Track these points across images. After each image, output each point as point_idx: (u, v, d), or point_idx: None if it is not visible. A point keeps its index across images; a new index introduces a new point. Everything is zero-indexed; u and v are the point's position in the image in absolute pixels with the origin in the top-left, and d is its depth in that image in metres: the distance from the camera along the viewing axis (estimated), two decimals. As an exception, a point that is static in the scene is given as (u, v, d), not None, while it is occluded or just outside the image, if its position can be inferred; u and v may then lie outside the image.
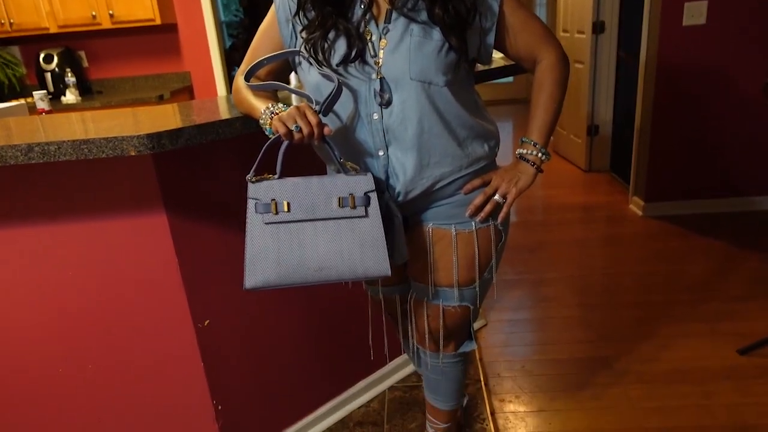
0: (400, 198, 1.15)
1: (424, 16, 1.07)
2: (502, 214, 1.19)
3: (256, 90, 1.16)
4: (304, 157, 1.29)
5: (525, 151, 1.19)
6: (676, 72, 3.12)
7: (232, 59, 4.59)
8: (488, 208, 1.17)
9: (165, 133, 1.10)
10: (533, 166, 1.18)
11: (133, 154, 1.09)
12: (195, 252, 1.40)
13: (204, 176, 1.37)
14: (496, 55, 1.25)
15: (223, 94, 4.15)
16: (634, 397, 1.90)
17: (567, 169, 4.55)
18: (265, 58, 1.14)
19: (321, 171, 1.30)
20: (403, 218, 1.18)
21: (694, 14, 2.99)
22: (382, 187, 1.13)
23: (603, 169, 4.34)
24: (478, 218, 1.18)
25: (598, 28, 3.99)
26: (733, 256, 2.84)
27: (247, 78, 1.16)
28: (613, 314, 2.41)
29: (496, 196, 1.17)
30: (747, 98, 3.13)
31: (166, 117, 1.32)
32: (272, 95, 1.19)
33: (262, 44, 1.19)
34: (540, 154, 1.18)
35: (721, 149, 3.26)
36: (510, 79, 7.75)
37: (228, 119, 1.19)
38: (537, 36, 1.17)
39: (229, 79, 4.23)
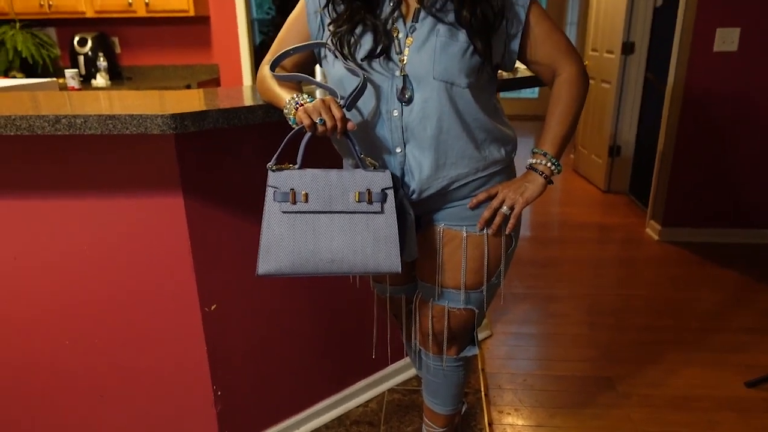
0: (414, 196, 1.15)
1: (451, 17, 1.07)
2: (509, 226, 1.18)
3: (281, 80, 1.17)
4: (321, 149, 1.30)
5: (535, 161, 1.18)
6: (704, 98, 3.09)
7: (261, 55, 4.64)
8: (497, 220, 1.17)
9: (189, 115, 1.12)
10: (542, 175, 1.17)
11: (156, 132, 1.11)
12: (208, 236, 1.42)
13: (223, 162, 1.39)
14: (521, 66, 1.25)
15: (249, 84, 4.20)
16: (637, 420, 1.87)
17: (585, 188, 4.52)
18: (291, 48, 1.16)
19: (337, 164, 1.31)
20: (415, 217, 1.19)
21: (726, 40, 2.96)
22: (398, 184, 1.14)
23: (622, 191, 4.30)
24: (490, 231, 1.19)
25: (627, 48, 3.97)
26: (746, 287, 2.79)
27: (272, 67, 1.18)
28: (621, 336, 2.38)
29: (503, 208, 1.16)
30: (774, 130, 3.09)
31: (191, 100, 1.35)
32: (297, 86, 1.21)
33: (289, 35, 1.21)
34: (551, 165, 1.17)
35: (742, 179, 3.21)
36: (535, 95, 7.74)
37: (251, 106, 1.21)
38: (559, 48, 1.16)
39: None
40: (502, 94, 1.45)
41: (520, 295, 2.76)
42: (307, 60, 1.24)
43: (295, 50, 1.17)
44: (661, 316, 2.54)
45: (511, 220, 1.17)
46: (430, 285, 1.27)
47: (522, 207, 1.16)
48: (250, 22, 4.23)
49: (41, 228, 1.40)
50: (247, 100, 1.32)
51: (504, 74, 1.56)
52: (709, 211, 3.30)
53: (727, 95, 3.06)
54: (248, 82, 4.25)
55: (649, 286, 2.84)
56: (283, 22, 1.25)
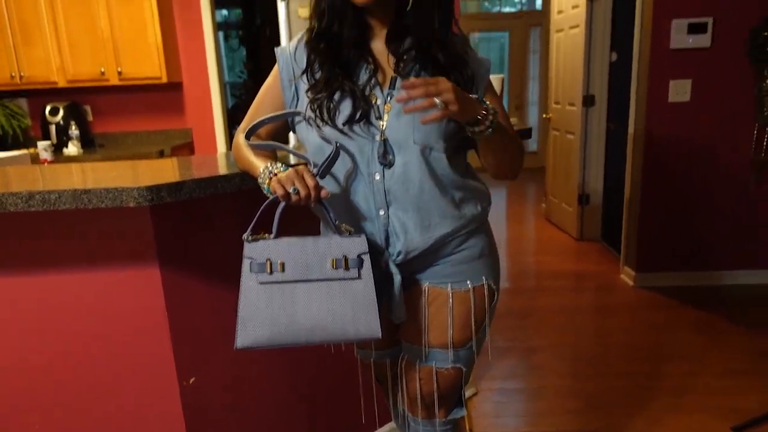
0: (400, 258, 1.16)
1: None
2: (431, 117, 1.00)
3: (256, 149, 1.19)
4: (299, 212, 1.31)
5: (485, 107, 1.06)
6: (664, 146, 3.22)
7: (234, 118, 4.70)
8: (419, 104, 0.98)
9: (165, 186, 1.12)
10: (487, 114, 1.05)
11: (131, 205, 1.10)
12: (185, 307, 1.39)
13: (199, 231, 1.38)
14: None
15: (223, 150, 4.23)
16: (627, 473, 1.84)
17: (559, 237, 4.59)
18: (266, 118, 1.18)
19: (314, 227, 1.32)
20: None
21: (679, 91, 3.12)
22: (381, 248, 1.14)
23: (595, 238, 4.38)
24: (406, 107, 1.01)
25: (588, 101, 4.15)
26: (721, 329, 2.83)
27: (247, 136, 1.19)
28: (604, 384, 2.37)
29: (437, 99, 0.98)
30: (731, 173, 3.22)
31: (164, 170, 1.35)
32: (271, 154, 1.22)
33: (264, 103, 1.24)
34: (492, 117, 1.05)
35: (704, 222, 3.31)
36: (534, 147, 7.96)
37: (227, 174, 1.22)
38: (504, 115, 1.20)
39: (230, 137, 4.32)
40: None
41: (502, 348, 2.74)
42: (282, 127, 1.26)
43: (269, 119, 1.19)
44: (641, 361, 2.55)
45: (433, 114, 1.00)
46: (417, 346, 1.26)
47: (452, 111, 0.99)
48: (223, 86, 4.29)
49: (14, 304, 1.36)
50: (222, 169, 1.33)
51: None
52: (678, 255, 3.38)
53: (685, 142, 3.20)
54: (222, 144, 4.28)
55: (627, 333, 2.86)
56: (255, 85, 1.27)
